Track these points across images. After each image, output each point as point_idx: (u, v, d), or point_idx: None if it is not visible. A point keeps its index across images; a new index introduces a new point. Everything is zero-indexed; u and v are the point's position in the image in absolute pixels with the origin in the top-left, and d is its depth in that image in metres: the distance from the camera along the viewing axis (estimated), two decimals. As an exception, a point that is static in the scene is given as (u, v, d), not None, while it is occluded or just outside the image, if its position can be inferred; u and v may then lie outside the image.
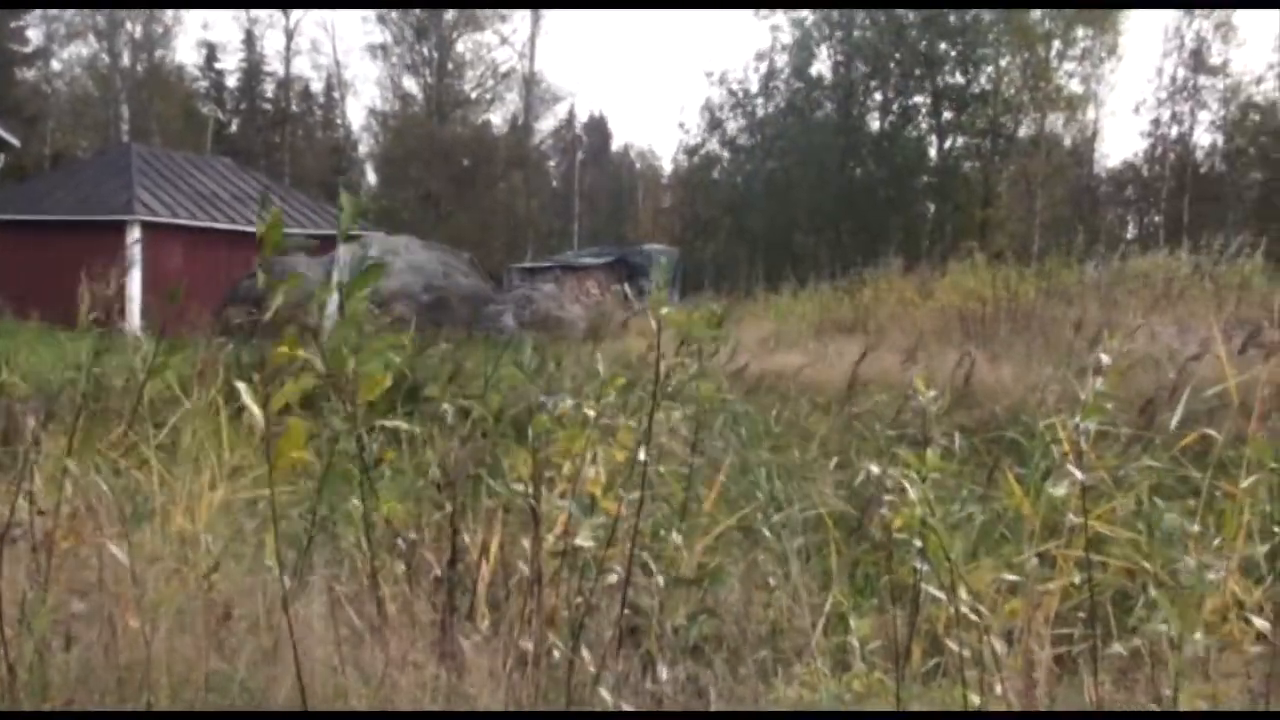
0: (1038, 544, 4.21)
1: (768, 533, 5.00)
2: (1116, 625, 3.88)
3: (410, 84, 57.95)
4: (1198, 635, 2.89)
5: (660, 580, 3.71)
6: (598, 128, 62.76)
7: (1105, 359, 2.99)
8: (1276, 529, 3.12)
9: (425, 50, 56.57)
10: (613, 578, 3.49)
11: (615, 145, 65.11)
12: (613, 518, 3.46)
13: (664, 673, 3.51)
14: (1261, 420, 4.58)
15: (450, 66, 56.87)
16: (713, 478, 5.21)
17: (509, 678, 3.26)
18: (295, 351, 2.98)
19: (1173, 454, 5.56)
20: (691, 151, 54.03)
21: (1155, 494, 4.61)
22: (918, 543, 3.18)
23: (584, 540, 3.36)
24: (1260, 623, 3.13)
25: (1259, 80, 49.75)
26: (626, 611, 3.54)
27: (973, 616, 3.12)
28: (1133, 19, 51.03)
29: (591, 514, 3.39)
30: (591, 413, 3.43)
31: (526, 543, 3.62)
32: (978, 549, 4.80)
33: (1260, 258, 19.82)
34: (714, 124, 52.79)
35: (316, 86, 61.73)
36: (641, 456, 3.43)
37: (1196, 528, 3.05)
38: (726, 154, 53.26)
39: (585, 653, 3.38)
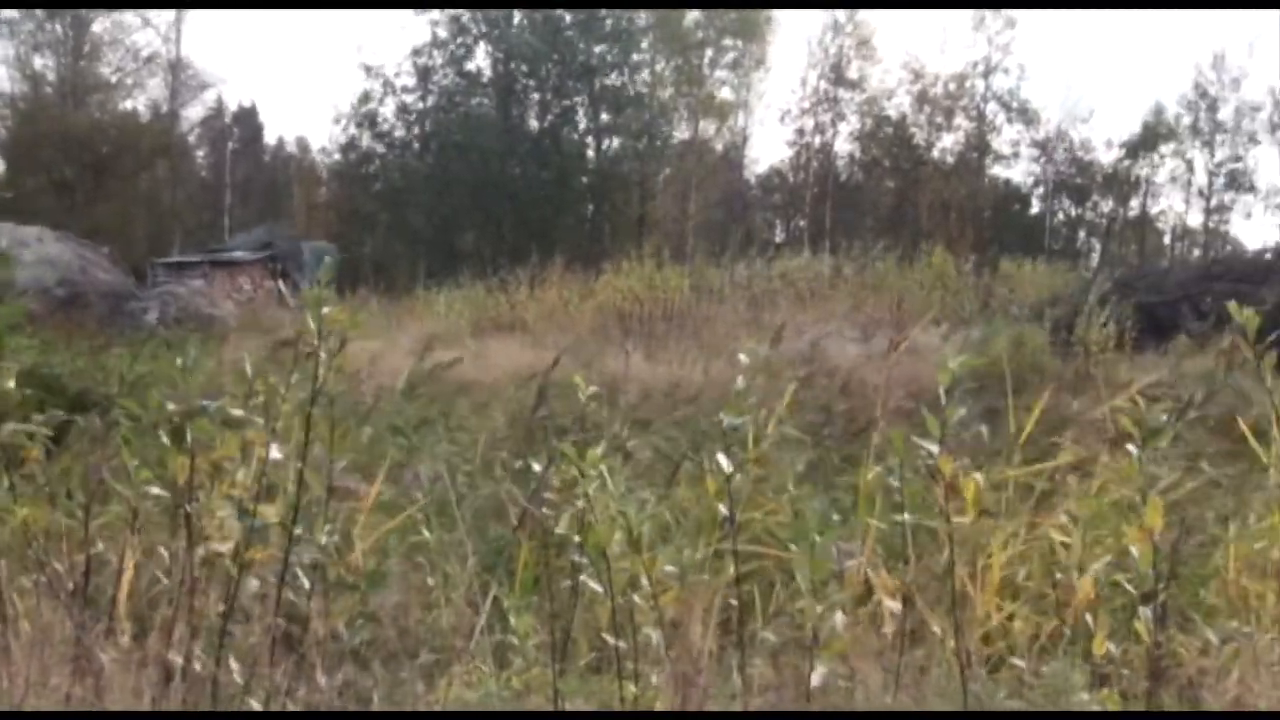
0: (710, 538, 4.32)
1: (427, 533, 4.92)
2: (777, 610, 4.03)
3: (41, 64, 54.11)
4: (837, 616, 3.03)
5: (308, 584, 3.59)
6: (249, 118, 60.42)
7: (744, 358, 3.10)
8: (902, 516, 3.30)
9: (58, 29, 52.90)
10: (258, 584, 3.35)
11: (269, 136, 62.94)
12: (266, 521, 3.32)
13: (321, 679, 3.41)
14: (899, 412, 4.85)
15: (87, 48, 53.43)
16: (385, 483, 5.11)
17: (153, 693, 3.08)
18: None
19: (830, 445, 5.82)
20: (347, 145, 52.86)
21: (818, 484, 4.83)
22: (577, 538, 3.20)
23: (226, 545, 3.21)
24: (891, 604, 3.32)
25: (890, 95, 53.19)
26: (282, 619, 3.41)
27: (646, 608, 3.17)
28: (780, 31, 53.60)
29: (244, 518, 3.24)
30: (241, 413, 3.27)
31: (166, 551, 3.44)
32: (652, 544, 4.89)
33: (892, 261, 21.23)
34: (369, 118, 51.82)
35: (-72, 63, 56.83)
36: (275, 455, 3.29)
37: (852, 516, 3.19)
38: (382, 148, 52.32)
39: (234, 663, 3.23)
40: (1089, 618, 3.12)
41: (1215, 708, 3.22)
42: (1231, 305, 3.02)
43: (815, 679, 2.96)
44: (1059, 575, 3.81)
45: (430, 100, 51.48)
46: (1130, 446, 3.02)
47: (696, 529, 4.52)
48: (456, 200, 47.98)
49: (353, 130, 52.13)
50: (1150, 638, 3.03)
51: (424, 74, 51.21)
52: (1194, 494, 5.19)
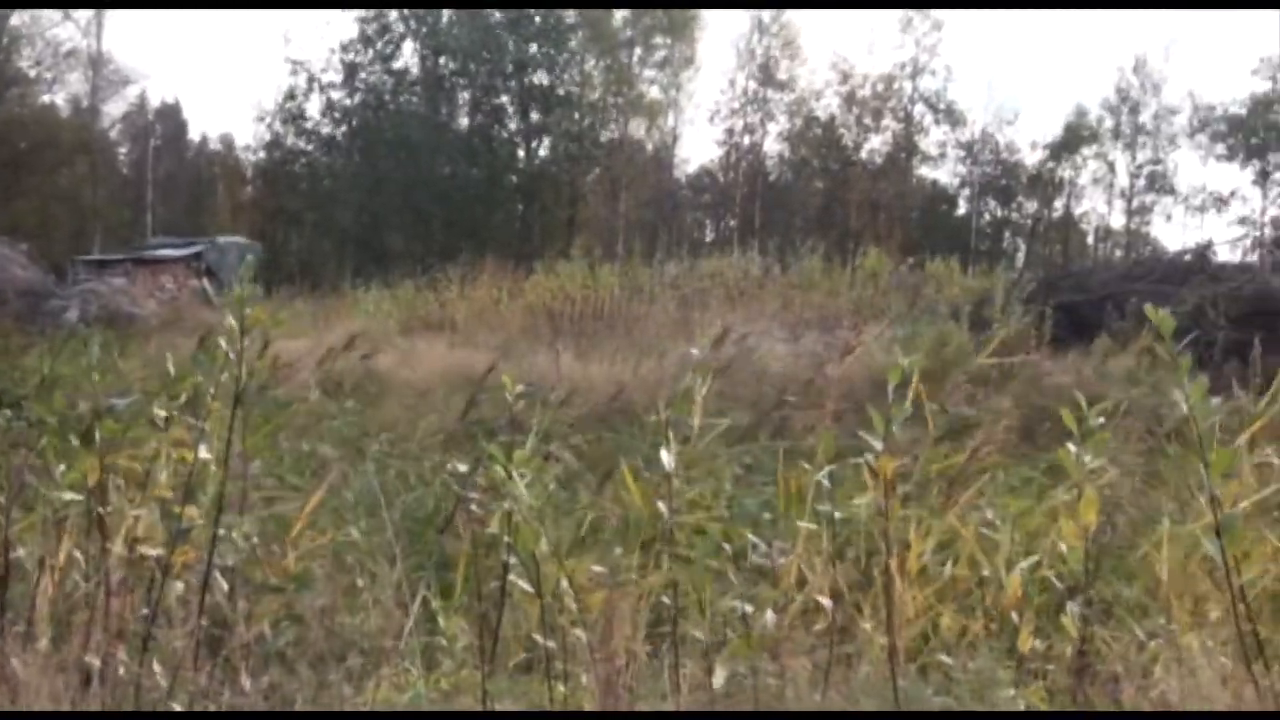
0: (644, 537, 4.31)
1: (356, 534, 4.88)
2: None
3: (-47, 58, 52.87)
4: (768, 614, 3.03)
5: (231, 587, 3.54)
6: (172, 114, 59.51)
7: (695, 353, 3.09)
8: (838, 514, 3.31)
9: (-28, 22, 51.77)
10: (182, 586, 3.29)
11: (192, 133, 61.98)
12: (191, 523, 3.26)
13: (246, 682, 3.36)
14: (834, 415, 4.88)
15: (5, 40, 52.35)
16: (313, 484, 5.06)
17: (71, 697, 3.01)
18: None
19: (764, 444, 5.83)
20: (272, 143, 52.18)
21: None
22: (507, 538, 3.18)
23: (153, 548, 3.15)
24: (824, 600, 3.33)
25: (819, 96, 53.53)
26: (207, 622, 3.35)
27: (572, 608, 3.15)
28: (709, 30, 53.71)
29: (166, 519, 3.19)
30: (162, 413, 3.22)
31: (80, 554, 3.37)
32: (581, 544, 4.88)
33: (820, 261, 21.38)
34: (295, 115, 51.20)
35: None
36: (205, 455, 3.24)
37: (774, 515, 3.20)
38: (310, 146, 51.71)
39: (157, 666, 3.18)
40: (1014, 614, 3.15)
41: (1138, 703, 3.26)
42: (1148, 307, 3.06)
43: (717, 680, 2.96)
44: (985, 572, 3.84)
45: (357, 97, 50.97)
46: (1069, 445, 3.05)
47: (629, 529, 4.50)
48: (385, 199, 47.58)
49: (278, 127, 51.52)
50: (1077, 633, 3.06)
51: (351, 70, 50.71)
52: (1117, 492, 5.26)
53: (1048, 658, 3.54)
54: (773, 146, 55.08)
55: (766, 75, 52.48)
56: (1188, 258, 19.64)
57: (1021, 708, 3.20)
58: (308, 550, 4.61)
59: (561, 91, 50.84)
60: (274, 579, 4.05)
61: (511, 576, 3.27)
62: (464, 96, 51.98)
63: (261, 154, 53.58)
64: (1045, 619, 3.59)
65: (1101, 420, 3.06)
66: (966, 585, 4.22)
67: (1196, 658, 3.40)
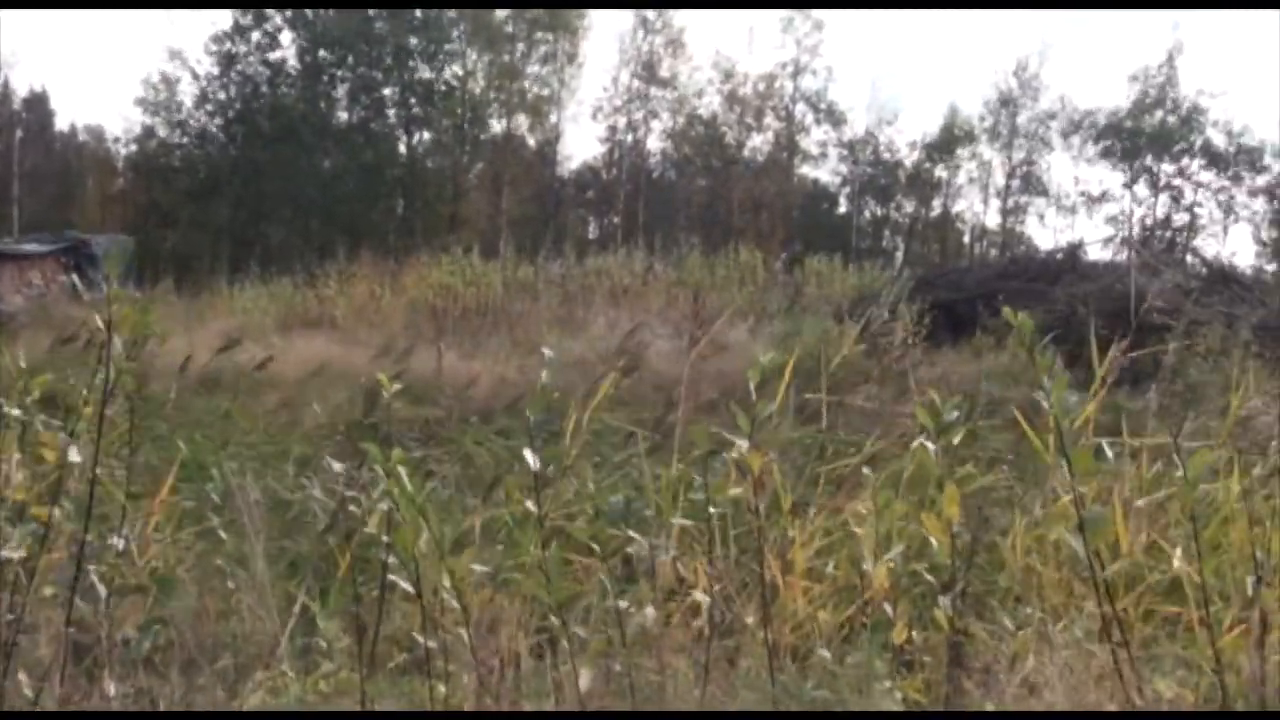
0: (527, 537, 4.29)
1: (224, 535, 4.78)
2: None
3: None
4: (648, 610, 3.04)
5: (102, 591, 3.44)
6: (39, 104, 57.72)
7: (548, 353, 3.08)
8: (711, 509, 3.33)
9: None
10: (50, 591, 3.20)
11: (60, 124, 60.14)
12: (44, 525, 3.16)
13: (111, 688, 3.27)
14: (707, 407, 4.90)
15: None
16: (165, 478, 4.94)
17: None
18: None
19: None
20: (145, 134, 50.87)
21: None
22: (386, 538, 3.15)
23: (12, 551, 3.05)
24: (701, 597, 3.34)
25: (701, 94, 53.83)
26: (73, 628, 3.26)
27: (447, 608, 3.13)
28: (593, 27, 53.64)
29: (21, 522, 3.08)
30: (16, 412, 3.11)
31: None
32: (470, 544, 4.84)
33: (701, 258, 21.54)
34: (169, 105, 50.01)
35: None
36: (75, 458, 3.14)
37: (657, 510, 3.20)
38: (185, 139, 50.53)
39: (22, 675, 3.08)
40: (888, 607, 3.20)
41: (1009, 690, 3.33)
42: (1006, 309, 3.14)
43: (584, 681, 2.97)
44: (865, 566, 3.89)
45: (234, 89, 49.97)
46: (926, 442, 3.11)
47: (515, 529, 4.49)
48: (262, 193, 46.76)
49: (150, 119, 50.32)
50: (949, 625, 3.12)
51: (228, 61, 49.70)
52: (990, 485, 5.38)
53: (926, 650, 3.60)
54: (656, 144, 55.32)
55: (649, 73, 52.63)
56: (1060, 257, 20.11)
57: (899, 699, 3.25)
58: (172, 552, 4.52)
59: (443, 85, 50.43)
60: (135, 581, 3.95)
61: (392, 576, 3.23)
62: (344, 89, 51.27)
63: (133, 146, 52.23)
64: (923, 612, 3.65)
65: (955, 414, 3.12)
66: (849, 581, 4.28)
67: (1066, 646, 3.49)
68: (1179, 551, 3.74)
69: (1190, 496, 3.00)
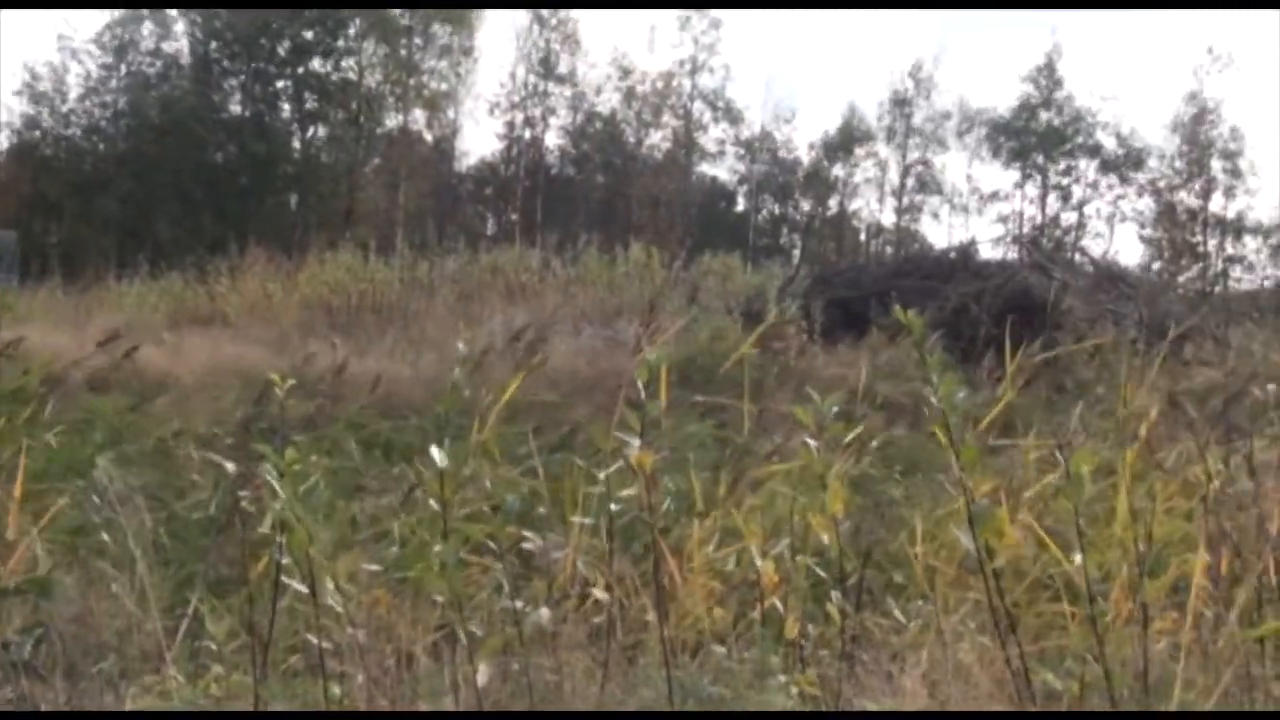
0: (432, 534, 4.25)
1: (105, 536, 4.67)
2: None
3: None
4: (543, 610, 3.03)
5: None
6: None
7: (462, 348, 3.07)
8: (612, 506, 3.34)
9: None
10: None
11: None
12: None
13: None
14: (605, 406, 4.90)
15: None
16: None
17: None
18: None
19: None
20: (29, 124, 49.40)
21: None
22: (280, 538, 3.11)
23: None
24: (599, 595, 3.35)
25: (599, 91, 53.83)
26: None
27: (338, 609, 3.09)
28: (490, 22, 53.29)
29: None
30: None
31: None
32: (363, 543, 4.79)
33: (597, 255, 21.55)
34: (55, 95, 48.69)
35: None
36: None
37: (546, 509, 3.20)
38: (72, 130, 49.23)
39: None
40: (778, 602, 3.24)
41: (905, 683, 3.37)
42: (897, 308, 3.20)
43: (481, 678, 2.96)
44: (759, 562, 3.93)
45: (123, 80, 48.84)
46: (809, 439, 3.15)
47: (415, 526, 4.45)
48: (152, 186, 45.77)
49: (34, 108, 48.93)
50: (840, 619, 3.16)
51: (118, 51, 48.58)
52: (883, 480, 5.46)
53: (821, 644, 3.64)
54: (554, 140, 55.19)
55: (547, 69, 52.50)
56: (953, 255, 20.44)
57: (794, 694, 3.28)
58: (50, 556, 4.42)
59: (338, 79, 49.81)
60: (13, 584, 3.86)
61: (285, 578, 3.19)
62: (236, 82, 50.38)
63: (14, 136, 50.72)
64: (821, 607, 3.69)
65: (835, 409, 3.18)
66: (746, 577, 4.31)
67: (958, 637, 3.56)
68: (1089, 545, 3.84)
69: (1078, 492, 3.07)
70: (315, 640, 3.12)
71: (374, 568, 3.47)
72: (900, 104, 53.13)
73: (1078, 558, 3.09)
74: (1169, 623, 3.47)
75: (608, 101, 54.00)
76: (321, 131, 51.22)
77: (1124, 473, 4.03)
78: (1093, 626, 2.97)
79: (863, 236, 56.96)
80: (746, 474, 5.26)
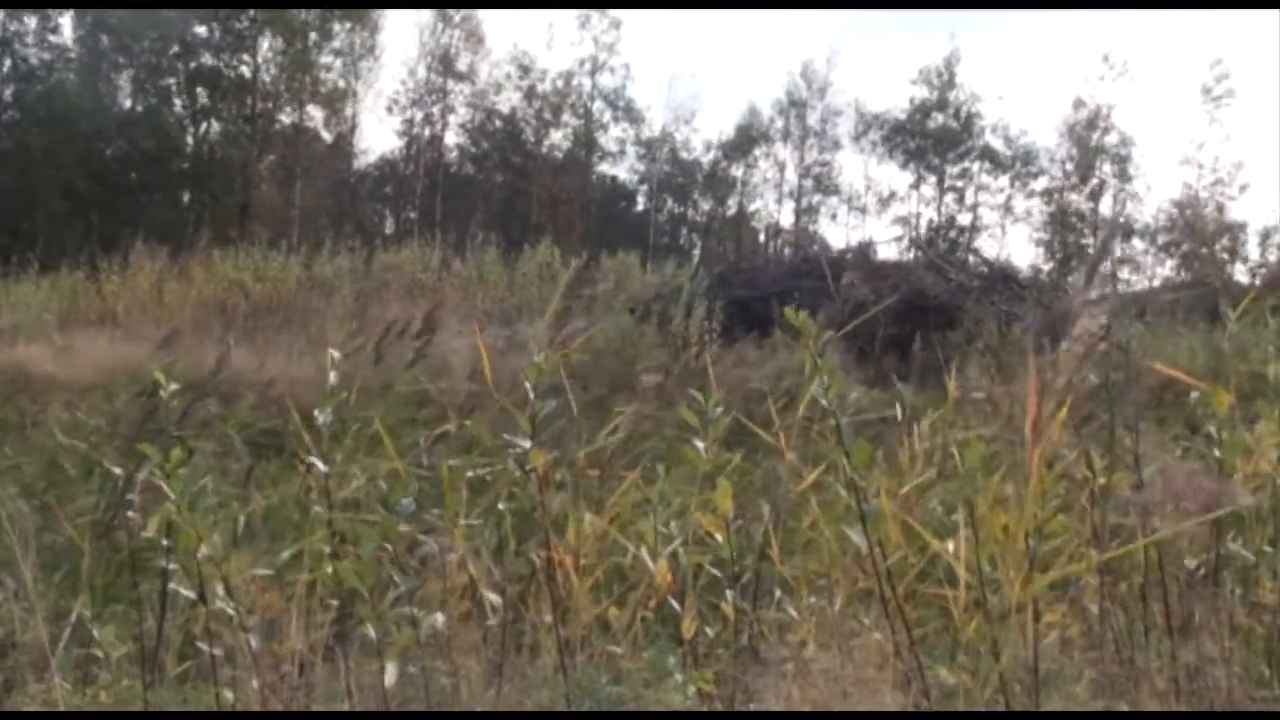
0: (307, 538, 4.20)
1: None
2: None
3: None
4: (438, 615, 3.02)
5: None
6: None
7: (335, 354, 3.05)
8: (501, 506, 3.33)
9: None
10: None
11: None
12: None
13: None
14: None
15: None
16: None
17: None
18: None
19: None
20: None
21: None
22: (166, 542, 3.06)
23: None
24: (492, 597, 3.34)
25: (499, 89, 53.61)
26: None
27: (230, 612, 3.05)
28: (390, 18, 52.74)
29: None
30: None
31: None
32: (254, 545, 4.72)
33: (496, 254, 21.46)
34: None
35: None
36: None
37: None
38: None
39: None
40: (674, 602, 3.25)
41: (799, 682, 3.41)
42: (788, 310, 3.24)
43: (388, 678, 2.95)
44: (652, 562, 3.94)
45: (7, 71, 47.51)
46: (696, 441, 3.17)
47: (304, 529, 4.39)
48: (38, 181, 44.57)
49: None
50: (734, 616, 3.18)
51: (2, 43, 47.27)
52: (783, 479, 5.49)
53: (718, 643, 3.66)
54: (454, 139, 54.87)
55: (447, 66, 52.17)
56: (849, 255, 20.69)
57: (690, 692, 3.30)
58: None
59: (233, 74, 48.98)
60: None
61: (172, 584, 3.15)
62: (127, 75, 49.29)
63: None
64: (717, 605, 3.71)
65: (720, 410, 3.21)
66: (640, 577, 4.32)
67: (855, 636, 3.60)
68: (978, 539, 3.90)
69: (971, 487, 3.13)
70: (207, 647, 3.08)
71: (265, 571, 3.42)
72: (796, 105, 53.68)
73: (951, 546, 3.15)
74: (1057, 616, 3.55)
75: (508, 100, 53.88)
76: (216, 127, 50.31)
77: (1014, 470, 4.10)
78: (986, 620, 3.03)
79: (762, 237, 57.41)
80: (643, 472, 5.27)
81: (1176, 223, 48.47)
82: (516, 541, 3.85)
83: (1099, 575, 3.66)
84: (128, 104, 49.31)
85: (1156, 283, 46.86)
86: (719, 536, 3.16)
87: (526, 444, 3.11)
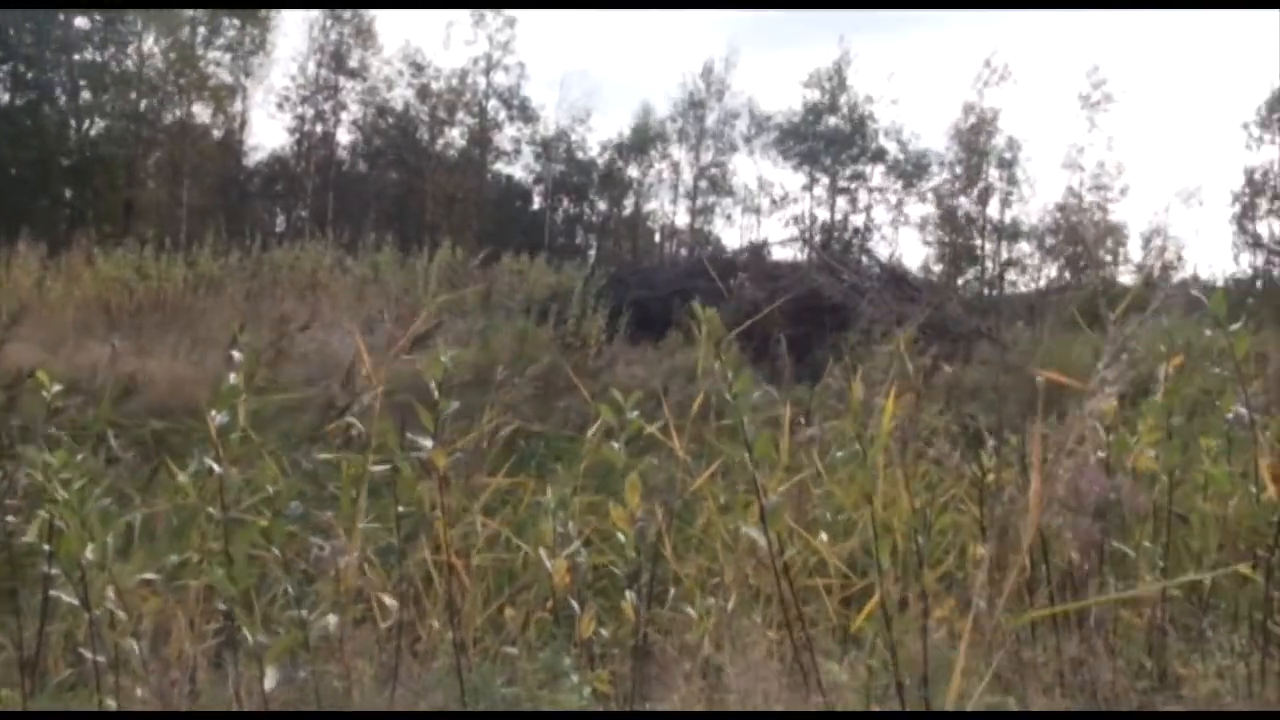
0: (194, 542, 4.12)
1: None
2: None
3: None
4: (331, 617, 2.98)
5: None
6: None
7: (237, 355, 2.99)
8: (399, 508, 3.29)
9: None
10: None
11: None
12: None
13: None
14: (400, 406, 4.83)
15: None
16: None
17: None
18: None
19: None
20: None
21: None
22: (47, 547, 2.98)
23: None
24: (389, 601, 3.30)
25: (391, 86, 53.06)
26: None
27: (116, 617, 2.98)
28: (280, 15, 51.83)
29: None
30: None
31: None
32: (140, 549, 4.60)
33: (390, 253, 21.23)
34: None
35: None
36: None
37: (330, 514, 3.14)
38: None
39: None
40: (573, 602, 3.25)
41: (687, 674, 3.41)
42: (695, 306, 3.26)
43: (269, 682, 2.90)
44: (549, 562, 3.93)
45: None
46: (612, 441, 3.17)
47: (184, 532, 4.30)
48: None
49: None
50: (635, 617, 3.18)
51: None
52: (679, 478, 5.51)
53: (615, 643, 3.66)
54: (346, 136, 54.16)
55: (338, 62, 51.51)
56: (744, 256, 20.85)
57: (586, 693, 3.29)
58: None
59: (116, 69, 47.83)
60: None
61: (53, 591, 3.06)
62: (4, 70, 47.85)
63: None
64: (614, 605, 3.70)
65: (635, 412, 3.21)
66: (537, 577, 4.30)
67: (749, 634, 3.62)
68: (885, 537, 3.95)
69: (865, 479, 3.16)
70: (90, 654, 3.00)
71: (150, 576, 3.34)
72: (693, 105, 53.92)
73: (828, 541, 3.17)
74: (946, 610, 3.60)
75: (400, 97, 53.34)
76: (99, 124, 49.08)
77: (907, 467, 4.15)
78: (884, 616, 3.06)
79: (658, 237, 57.58)
80: (544, 473, 5.26)
81: (1061, 225, 49.55)
82: (402, 542, 3.80)
83: (986, 570, 3.72)
84: (5, 99, 47.89)
85: (1043, 284, 47.92)
86: (621, 535, 3.15)
87: (428, 443, 3.08)
